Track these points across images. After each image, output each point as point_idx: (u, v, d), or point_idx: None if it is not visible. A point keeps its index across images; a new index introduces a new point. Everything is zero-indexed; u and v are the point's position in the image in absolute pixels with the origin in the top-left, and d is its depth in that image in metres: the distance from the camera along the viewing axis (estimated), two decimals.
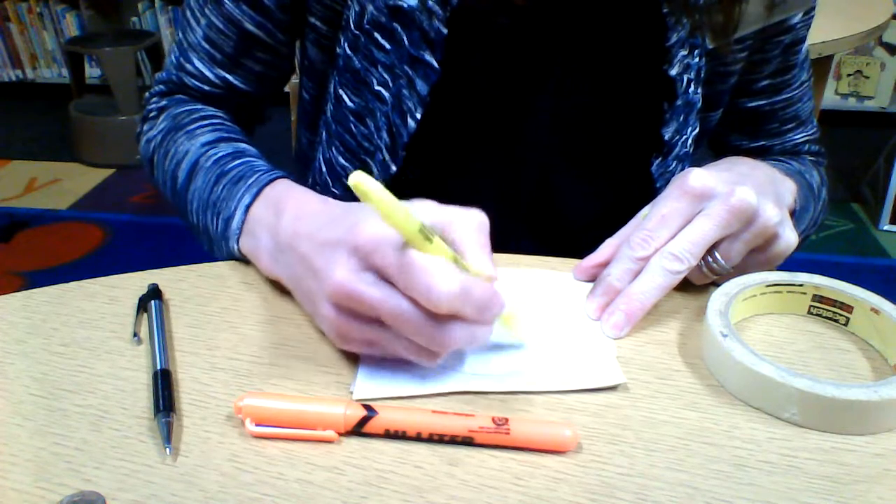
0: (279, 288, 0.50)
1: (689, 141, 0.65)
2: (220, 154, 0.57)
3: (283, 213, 0.47)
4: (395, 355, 0.41)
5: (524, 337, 0.45)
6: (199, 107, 0.64)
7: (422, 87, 0.58)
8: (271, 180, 0.52)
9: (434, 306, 0.37)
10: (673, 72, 0.59)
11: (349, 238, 0.39)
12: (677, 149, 0.64)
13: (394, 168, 0.61)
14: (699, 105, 0.63)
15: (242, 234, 0.51)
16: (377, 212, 0.37)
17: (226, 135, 0.60)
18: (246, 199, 0.52)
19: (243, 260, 0.53)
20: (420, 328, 0.38)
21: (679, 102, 0.61)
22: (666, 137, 0.62)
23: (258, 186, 0.52)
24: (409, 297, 0.38)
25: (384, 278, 0.38)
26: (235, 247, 0.52)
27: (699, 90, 0.62)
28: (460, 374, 0.42)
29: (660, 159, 0.64)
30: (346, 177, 0.66)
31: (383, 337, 0.40)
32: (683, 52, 0.59)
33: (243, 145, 0.59)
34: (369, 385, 0.41)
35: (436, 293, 0.36)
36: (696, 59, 0.60)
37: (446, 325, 0.38)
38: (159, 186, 0.63)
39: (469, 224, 0.41)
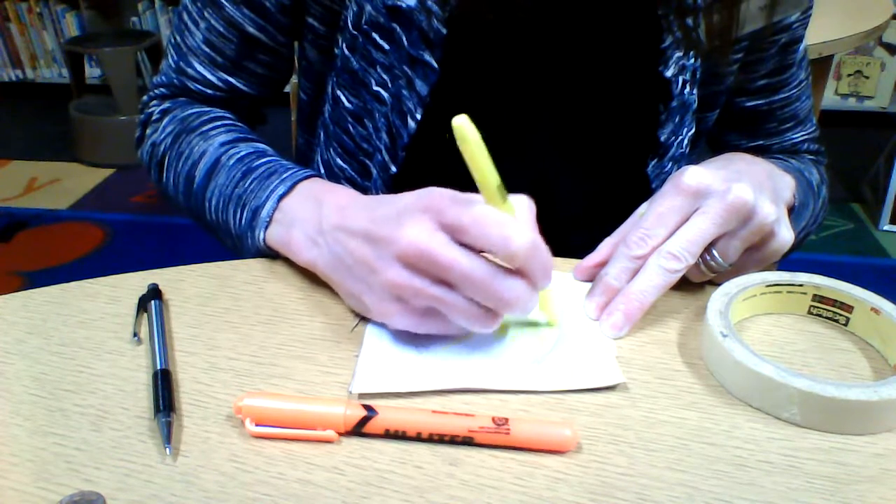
0: (280, 288, 0.50)
1: (685, 142, 0.65)
2: (242, 153, 0.57)
3: (324, 203, 0.48)
4: (443, 328, 0.42)
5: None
6: (207, 109, 0.64)
7: (421, 87, 0.58)
8: (306, 177, 0.53)
9: (510, 255, 0.39)
10: (668, 73, 0.60)
11: (419, 202, 0.41)
12: (673, 150, 0.64)
13: (393, 169, 0.61)
14: (695, 106, 0.63)
15: (272, 223, 0.52)
16: (469, 158, 0.38)
17: (243, 135, 0.60)
18: (280, 190, 0.52)
19: (266, 252, 0.53)
20: (488, 285, 0.39)
21: (675, 104, 0.61)
22: (662, 139, 0.62)
23: (293, 181, 0.52)
24: (480, 257, 0.39)
25: (455, 238, 0.40)
26: (262, 235, 0.52)
27: (695, 91, 0.62)
28: (460, 373, 0.42)
29: (655, 160, 0.64)
30: (345, 178, 0.66)
31: (446, 299, 0.40)
32: (679, 54, 0.59)
33: (263, 146, 0.59)
34: (368, 380, 0.41)
35: (514, 243, 0.38)
36: (692, 61, 0.60)
37: (512, 281, 0.40)
38: (169, 189, 0.63)
39: (521, 205, 0.42)
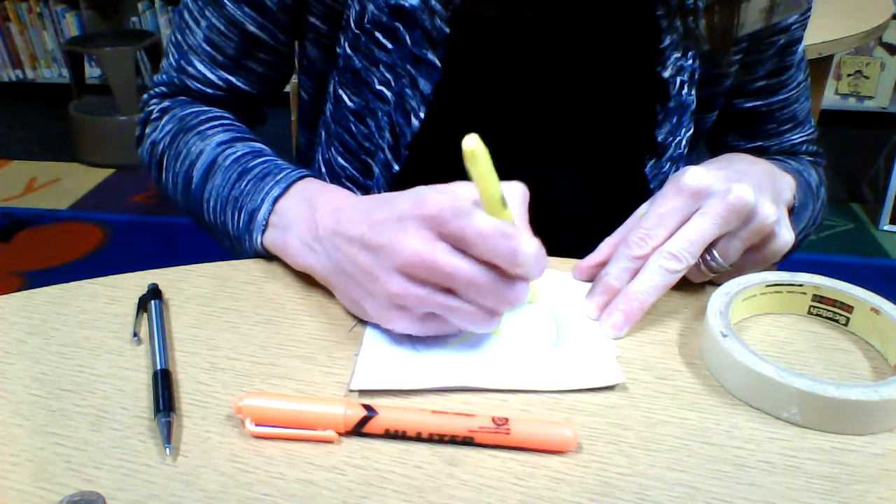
0: (279, 288, 0.50)
1: (683, 142, 0.65)
2: (239, 153, 0.57)
3: (318, 206, 0.48)
4: (443, 329, 0.43)
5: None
6: (206, 108, 0.64)
7: (425, 86, 0.58)
8: (301, 177, 0.53)
9: (519, 267, 0.39)
10: (666, 74, 0.60)
11: (418, 211, 0.40)
12: (671, 150, 0.64)
13: (396, 167, 0.61)
14: (693, 107, 0.63)
15: (268, 226, 0.52)
16: (478, 177, 0.39)
17: (240, 135, 0.60)
18: (275, 192, 0.52)
19: (265, 255, 0.53)
20: (493, 291, 0.40)
21: (672, 104, 0.61)
22: (659, 139, 0.63)
23: (287, 182, 0.52)
24: (482, 263, 0.40)
25: (455, 247, 0.40)
26: (259, 239, 0.52)
27: (693, 92, 0.62)
28: (459, 371, 0.42)
29: (653, 161, 0.64)
30: (346, 177, 0.66)
31: (451, 305, 0.41)
32: (677, 55, 0.59)
33: (260, 145, 0.58)
34: (367, 377, 0.41)
35: (522, 255, 0.39)
36: (690, 62, 0.60)
37: (515, 284, 0.40)
38: (168, 189, 0.63)
39: (514, 195, 0.43)
